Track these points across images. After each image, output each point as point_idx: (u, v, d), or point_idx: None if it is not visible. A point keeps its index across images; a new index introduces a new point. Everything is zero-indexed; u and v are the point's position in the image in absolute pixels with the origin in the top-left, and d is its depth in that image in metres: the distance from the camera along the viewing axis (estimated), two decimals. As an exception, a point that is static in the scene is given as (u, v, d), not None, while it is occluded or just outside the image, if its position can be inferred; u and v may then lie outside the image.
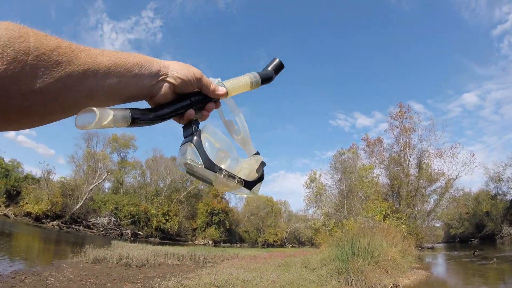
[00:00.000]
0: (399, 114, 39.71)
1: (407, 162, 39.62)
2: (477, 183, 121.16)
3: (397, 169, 39.53)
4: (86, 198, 40.08)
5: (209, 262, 16.60)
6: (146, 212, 53.58)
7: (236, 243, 67.54)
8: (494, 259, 20.34)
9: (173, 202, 60.15)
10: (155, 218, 54.50)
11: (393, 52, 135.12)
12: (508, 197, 62.10)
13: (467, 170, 38.13)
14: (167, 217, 56.76)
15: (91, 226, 40.84)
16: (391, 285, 11.33)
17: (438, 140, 40.11)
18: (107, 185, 60.58)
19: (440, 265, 22.69)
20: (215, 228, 64.36)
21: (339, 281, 11.32)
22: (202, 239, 61.44)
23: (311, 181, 35.51)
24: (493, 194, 63.94)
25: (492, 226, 60.53)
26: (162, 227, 55.27)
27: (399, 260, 15.21)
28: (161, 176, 61.98)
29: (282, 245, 72.01)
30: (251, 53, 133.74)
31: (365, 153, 41.09)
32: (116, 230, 43.84)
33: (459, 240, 74.68)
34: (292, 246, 67.20)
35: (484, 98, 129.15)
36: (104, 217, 41.75)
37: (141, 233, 50.09)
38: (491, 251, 30.03)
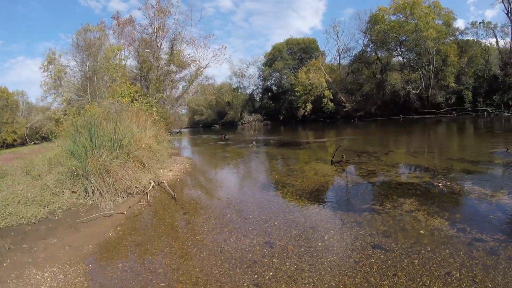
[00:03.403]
0: (158, -8, 35.10)
1: (159, 45, 36.70)
2: (221, 76, 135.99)
3: (147, 52, 36.18)
4: None
5: None
6: None
7: (-34, 149, 51.71)
8: (254, 143, 21.11)
9: None
10: None
11: None
12: (248, 91, 71.41)
13: (217, 61, 39.03)
14: None
15: None
16: (153, 183, 8.18)
17: (194, 26, 38.93)
18: None
19: (197, 150, 21.87)
20: None
21: (74, 191, 7.16)
22: None
23: (49, 63, 28.12)
24: (235, 87, 71.33)
25: (233, 114, 68.71)
26: None
27: (156, 147, 12.28)
28: None
29: (24, 144, 59.62)
30: None
31: (114, 33, 35.47)
32: None
33: (203, 125, 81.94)
34: (34, 143, 56.08)
35: (238, 5, 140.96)
36: None
37: None
38: (236, 135, 32.46)
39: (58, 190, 7.09)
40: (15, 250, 4.65)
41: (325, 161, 11.10)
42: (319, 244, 4.35)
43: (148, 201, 7.24)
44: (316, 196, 6.99)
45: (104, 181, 7.34)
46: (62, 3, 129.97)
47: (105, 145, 8.39)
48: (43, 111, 59.10)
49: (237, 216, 5.87)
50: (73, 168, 7.48)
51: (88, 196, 7.05)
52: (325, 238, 4.55)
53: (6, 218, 5.48)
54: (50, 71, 28.23)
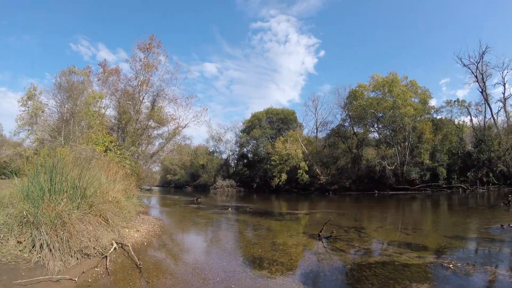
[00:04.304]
0: (148, 46, 35.66)
1: (141, 98, 36.35)
2: (198, 138, 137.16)
3: (128, 103, 35.60)
4: None
5: None
6: None
7: None
8: (229, 209, 20.15)
9: None
10: None
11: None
12: (224, 156, 71.19)
13: (197, 122, 38.40)
14: None
15: None
16: (115, 244, 6.85)
17: (178, 86, 39.28)
18: None
19: (168, 212, 20.35)
20: None
21: (20, 241, 5.72)
22: None
23: (28, 98, 27.39)
24: (211, 150, 71.34)
25: (206, 178, 67.74)
26: None
27: (124, 203, 10.93)
28: None
29: (-8, 180, 55.33)
30: None
31: (98, 80, 35.18)
32: None
33: (175, 185, 79.83)
34: (1, 178, 52.07)
35: (222, 72, 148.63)
36: None
37: None
38: (209, 199, 31.34)
39: (2, 236, 5.78)
40: None
41: (311, 235, 10.10)
42: None
43: (106, 268, 5.94)
44: (312, 279, 5.91)
45: (57, 235, 6.06)
46: (54, 43, 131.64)
47: (66, 192, 7.17)
48: (15, 147, 56.89)
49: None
50: (24, 212, 6.18)
51: (35, 250, 5.68)
52: None
53: None
54: (28, 107, 27.30)
